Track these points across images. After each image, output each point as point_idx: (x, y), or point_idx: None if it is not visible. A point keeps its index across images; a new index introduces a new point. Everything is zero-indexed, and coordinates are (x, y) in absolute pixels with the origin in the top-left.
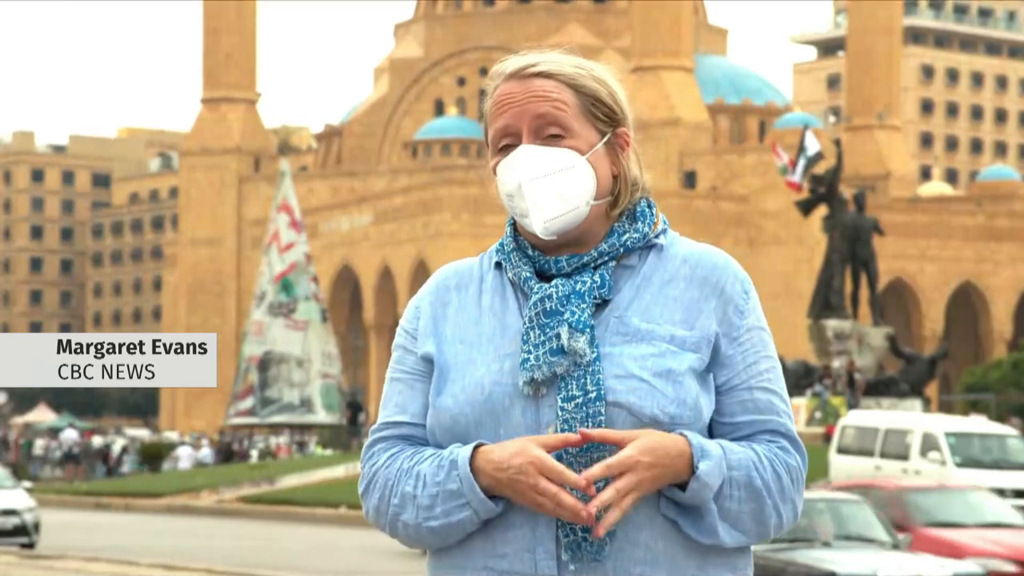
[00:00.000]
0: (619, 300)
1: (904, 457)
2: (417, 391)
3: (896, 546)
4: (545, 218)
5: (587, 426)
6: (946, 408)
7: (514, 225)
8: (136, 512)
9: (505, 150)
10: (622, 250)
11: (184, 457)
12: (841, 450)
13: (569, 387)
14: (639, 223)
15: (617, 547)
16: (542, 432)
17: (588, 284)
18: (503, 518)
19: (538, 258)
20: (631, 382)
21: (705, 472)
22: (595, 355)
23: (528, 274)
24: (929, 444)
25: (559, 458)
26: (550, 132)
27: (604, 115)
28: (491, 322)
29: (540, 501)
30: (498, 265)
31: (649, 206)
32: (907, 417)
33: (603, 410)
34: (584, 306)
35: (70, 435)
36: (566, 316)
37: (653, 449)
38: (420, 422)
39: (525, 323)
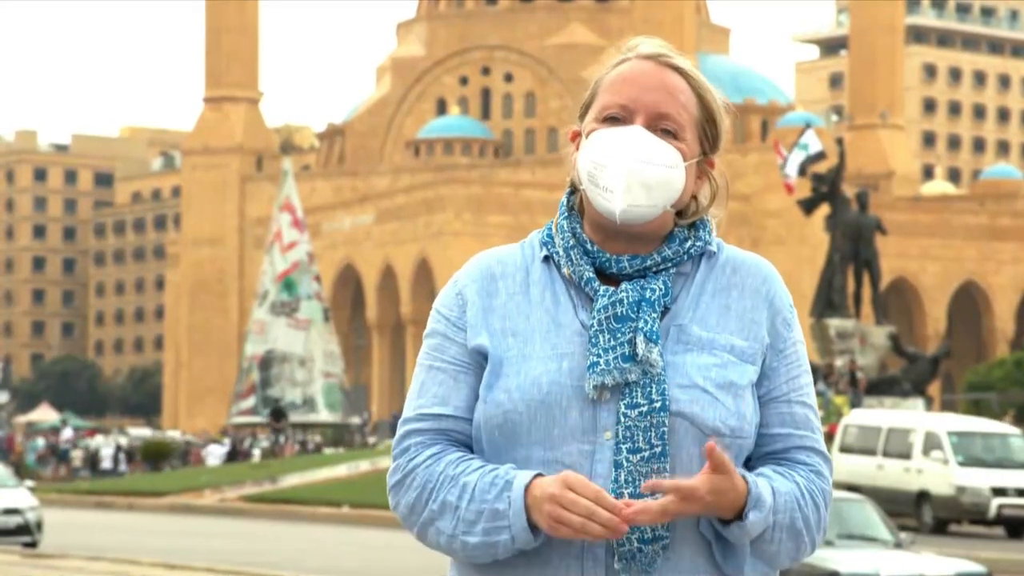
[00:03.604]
0: (676, 309)
1: (907, 456)
2: (461, 383)
3: (899, 545)
4: (629, 202)
5: (648, 436)
6: (949, 407)
7: (568, 218)
8: (139, 511)
9: (611, 121)
10: (685, 257)
11: (214, 455)
12: (844, 449)
13: (634, 394)
14: (700, 231)
15: (665, 557)
16: (598, 436)
17: (657, 293)
18: None
19: (599, 254)
20: (694, 392)
21: (751, 522)
22: (663, 365)
23: (591, 275)
24: (931, 443)
25: (618, 465)
26: (664, 127)
27: (710, 136)
28: (543, 318)
29: (567, 534)
30: (546, 259)
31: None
32: (909, 416)
33: (666, 420)
34: (655, 315)
35: (67, 433)
36: (640, 325)
37: (719, 492)
38: (465, 416)
39: (593, 326)
